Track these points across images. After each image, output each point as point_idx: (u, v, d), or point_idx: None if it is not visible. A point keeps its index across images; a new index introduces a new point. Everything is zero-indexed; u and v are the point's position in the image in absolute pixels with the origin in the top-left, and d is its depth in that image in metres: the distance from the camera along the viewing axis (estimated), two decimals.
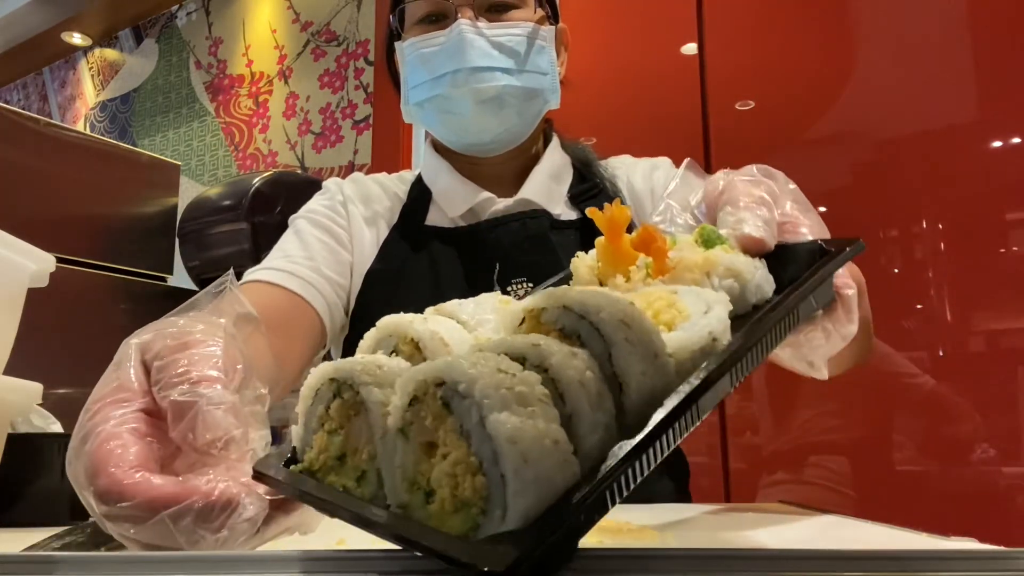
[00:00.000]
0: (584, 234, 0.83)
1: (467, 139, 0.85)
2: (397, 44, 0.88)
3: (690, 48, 1.75)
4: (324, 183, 0.95)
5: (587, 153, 0.93)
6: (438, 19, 0.83)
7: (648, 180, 0.89)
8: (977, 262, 1.36)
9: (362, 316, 0.84)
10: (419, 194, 0.90)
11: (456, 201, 0.86)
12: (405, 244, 0.85)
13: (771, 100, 1.62)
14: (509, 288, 0.79)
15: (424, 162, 0.94)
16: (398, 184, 0.93)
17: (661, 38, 1.79)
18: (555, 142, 0.93)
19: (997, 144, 1.38)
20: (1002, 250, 1.34)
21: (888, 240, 1.45)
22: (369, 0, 2.48)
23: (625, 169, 0.91)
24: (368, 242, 0.86)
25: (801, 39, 1.61)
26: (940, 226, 1.40)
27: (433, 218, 0.87)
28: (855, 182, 1.51)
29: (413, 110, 0.86)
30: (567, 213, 0.86)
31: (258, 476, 0.36)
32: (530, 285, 0.79)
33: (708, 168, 1.66)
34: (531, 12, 0.85)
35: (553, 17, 0.89)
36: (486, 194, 0.85)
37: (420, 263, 0.84)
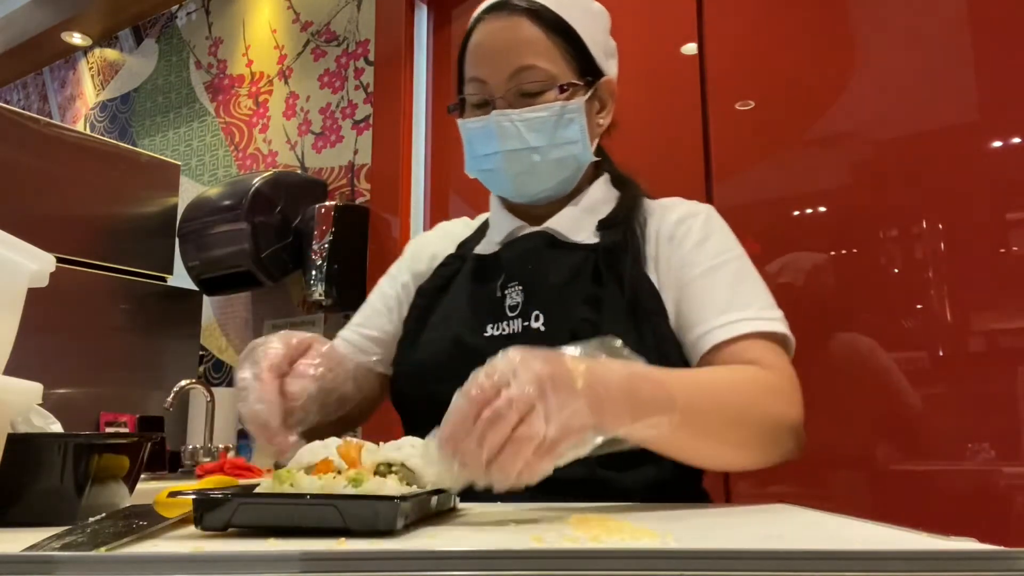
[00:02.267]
0: (600, 255, 0.93)
1: (514, 198, 1.01)
2: (458, 120, 1.01)
3: (690, 48, 1.75)
4: (410, 240, 1.17)
5: (632, 191, 1.03)
6: (483, 104, 0.97)
7: (676, 227, 0.96)
8: (977, 262, 1.36)
9: (409, 323, 1.02)
10: (480, 228, 1.09)
11: (500, 229, 1.02)
12: (453, 266, 1.04)
13: (771, 100, 1.62)
14: (506, 292, 0.94)
15: (490, 203, 1.08)
16: (473, 224, 1.13)
17: (661, 38, 1.79)
18: (602, 180, 1.03)
19: (997, 144, 1.38)
20: (1002, 250, 1.34)
21: (888, 240, 1.45)
22: (369, 0, 2.48)
23: (661, 213, 0.99)
24: (424, 271, 1.07)
25: (801, 39, 1.61)
26: (940, 226, 1.40)
27: (481, 248, 1.04)
28: (855, 182, 1.51)
29: (471, 171, 1.02)
30: (590, 239, 0.96)
31: None
32: (520, 288, 0.93)
33: (708, 169, 1.66)
34: (559, 91, 0.94)
35: (594, 73, 0.98)
36: (520, 223, 1.01)
37: (458, 280, 1.01)
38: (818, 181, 1.54)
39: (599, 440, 0.59)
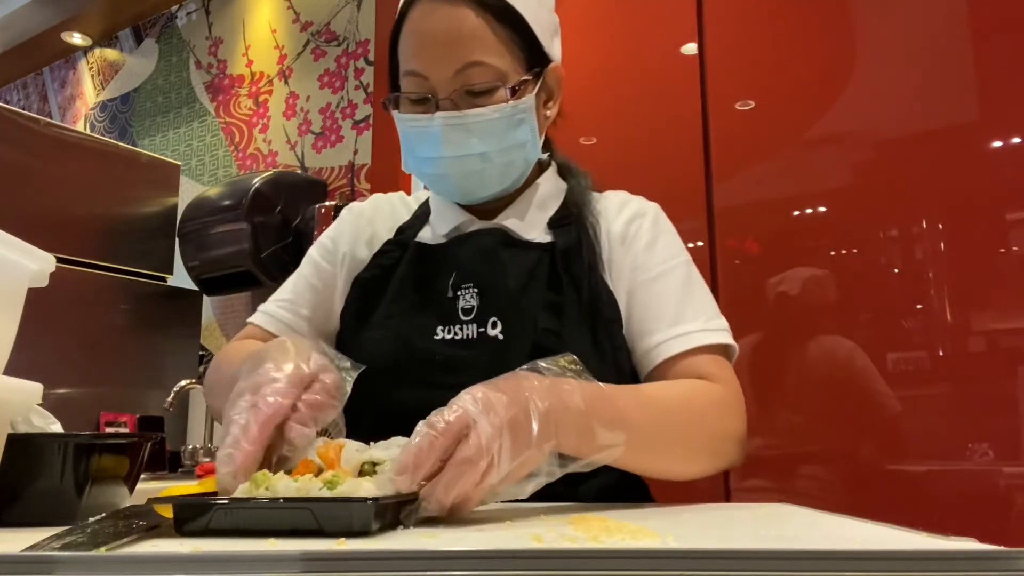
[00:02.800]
0: (552, 256, 0.90)
1: (456, 199, 0.96)
2: (394, 112, 0.93)
3: (690, 48, 1.75)
4: (347, 207, 1.05)
5: (579, 184, 0.98)
6: (423, 100, 0.89)
7: (627, 227, 0.94)
8: (977, 262, 1.36)
9: (348, 317, 0.95)
10: (421, 213, 1.01)
11: (445, 220, 0.96)
12: (392, 256, 0.96)
13: (771, 100, 1.62)
14: (459, 292, 0.89)
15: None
16: (411, 203, 1.05)
17: (661, 38, 1.79)
18: (549, 173, 0.99)
19: (997, 144, 1.38)
20: (1002, 250, 1.34)
21: (888, 240, 1.45)
22: (369, 0, 2.48)
23: (613, 213, 0.96)
24: (363, 257, 0.99)
25: (801, 39, 1.61)
26: (940, 226, 1.40)
27: (423, 235, 0.98)
28: (855, 182, 1.51)
29: (410, 170, 0.95)
30: (542, 236, 0.92)
31: None
32: (475, 291, 0.88)
33: (708, 169, 1.66)
34: (510, 92, 0.87)
35: (542, 62, 0.91)
36: (469, 216, 0.95)
37: (399, 273, 0.94)
38: (818, 181, 1.54)
39: (542, 480, 0.60)
